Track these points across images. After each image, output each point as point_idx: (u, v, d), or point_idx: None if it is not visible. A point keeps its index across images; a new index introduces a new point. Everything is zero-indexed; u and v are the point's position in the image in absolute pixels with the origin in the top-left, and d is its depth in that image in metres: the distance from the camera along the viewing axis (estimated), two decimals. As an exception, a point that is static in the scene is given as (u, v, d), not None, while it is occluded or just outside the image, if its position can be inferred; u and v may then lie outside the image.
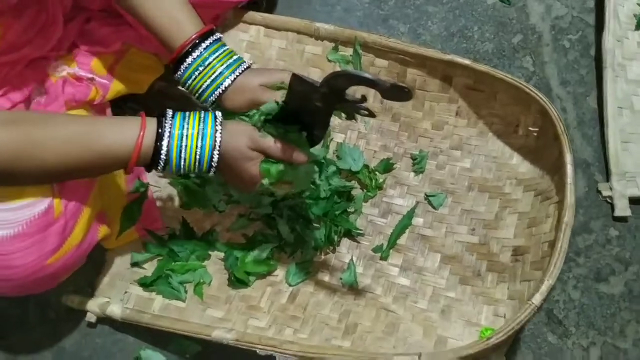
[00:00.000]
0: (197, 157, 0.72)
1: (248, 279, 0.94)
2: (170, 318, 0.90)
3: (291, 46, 1.04)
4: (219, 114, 0.75)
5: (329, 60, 1.03)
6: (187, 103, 0.96)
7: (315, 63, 1.04)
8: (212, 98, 0.79)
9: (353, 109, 0.74)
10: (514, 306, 0.87)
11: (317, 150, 0.98)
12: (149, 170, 0.74)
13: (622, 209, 1.04)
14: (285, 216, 0.97)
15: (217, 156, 0.73)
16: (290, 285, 0.95)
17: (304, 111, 0.74)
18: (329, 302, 0.93)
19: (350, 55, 1.02)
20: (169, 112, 0.73)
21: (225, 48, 0.79)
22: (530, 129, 0.97)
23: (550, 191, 0.90)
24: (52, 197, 0.73)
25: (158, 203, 1.00)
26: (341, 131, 1.05)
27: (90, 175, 0.76)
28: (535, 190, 0.94)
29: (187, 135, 0.71)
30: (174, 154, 0.71)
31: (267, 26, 1.04)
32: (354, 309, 0.92)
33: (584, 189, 1.07)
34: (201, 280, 0.95)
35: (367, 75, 0.64)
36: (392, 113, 1.04)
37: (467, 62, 0.94)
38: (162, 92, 1.00)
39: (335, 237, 0.97)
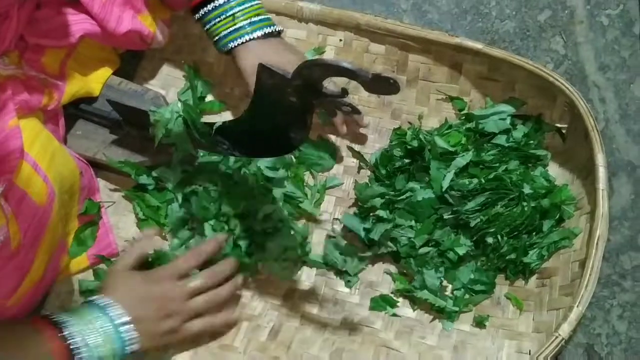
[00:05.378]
0: None
1: (219, 312, 0.95)
2: (126, 361, 0.92)
3: (269, 30, 1.07)
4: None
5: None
6: (141, 100, 0.99)
7: (299, 49, 1.05)
8: (230, 46, 0.94)
9: (333, 104, 0.76)
10: (541, 340, 0.88)
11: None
12: None
13: (677, 220, 1.05)
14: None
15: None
16: (270, 319, 0.96)
17: (277, 109, 0.76)
18: (318, 339, 0.94)
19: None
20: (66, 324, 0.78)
21: (255, 2, 0.95)
22: (557, 125, 0.98)
23: (580, 199, 0.92)
24: (7, 224, 0.72)
25: (111, 221, 1.01)
26: (332, 131, 1.07)
27: None
28: (564, 199, 0.96)
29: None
30: None
31: (240, 7, 1.07)
32: (349, 346, 0.93)
33: (630, 197, 1.09)
34: (163, 315, 0.96)
35: (344, 64, 0.66)
36: (392, 108, 1.06)
37: (479, 46, 0.97)
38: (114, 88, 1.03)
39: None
